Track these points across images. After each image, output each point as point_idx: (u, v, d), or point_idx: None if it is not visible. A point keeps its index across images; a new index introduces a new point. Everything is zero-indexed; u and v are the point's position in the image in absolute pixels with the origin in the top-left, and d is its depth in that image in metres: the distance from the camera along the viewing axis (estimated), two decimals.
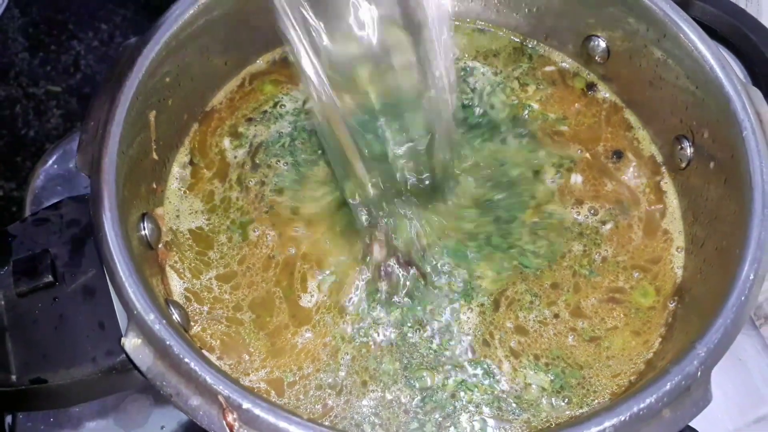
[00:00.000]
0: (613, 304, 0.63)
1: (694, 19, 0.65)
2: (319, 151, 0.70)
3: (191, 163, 0.69)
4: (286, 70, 0.74)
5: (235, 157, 0.69)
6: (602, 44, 0.73)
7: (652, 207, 0.68)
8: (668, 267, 0.65)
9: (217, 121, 0.71)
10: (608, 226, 0.67)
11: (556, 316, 0.62)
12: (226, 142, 0.70)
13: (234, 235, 0.65)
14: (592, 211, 0.68)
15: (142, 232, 0.60)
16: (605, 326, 0.62)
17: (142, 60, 0.60)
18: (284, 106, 0.73)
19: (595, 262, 0.65)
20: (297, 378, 0.59)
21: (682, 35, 0.64)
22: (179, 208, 0.66)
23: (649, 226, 0.67)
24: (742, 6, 0.78)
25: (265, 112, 0.72)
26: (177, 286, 0.62)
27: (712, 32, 0.70)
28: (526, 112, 0.73)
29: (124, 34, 1.67)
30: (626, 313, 0.62)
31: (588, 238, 0.66)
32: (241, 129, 0.71)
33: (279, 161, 0.70)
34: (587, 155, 0.71)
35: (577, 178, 0.69)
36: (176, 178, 0.68)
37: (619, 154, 0.71)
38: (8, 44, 1.70)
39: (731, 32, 0.70)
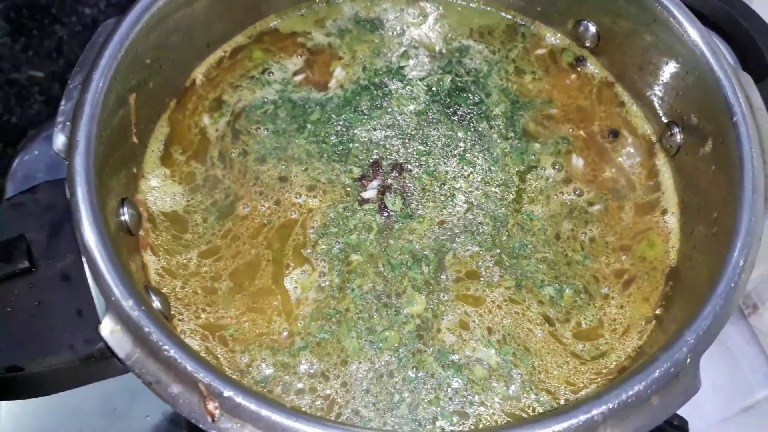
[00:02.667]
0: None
1: (685, 4, 0.65)
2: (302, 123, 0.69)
3: (170, 147, 0.67)
4: (276, 40, 0.73)
5: (216, 130, 0.68)
6: (592, 29, 0.72)
7: (648, 187, 0.68)
8: (661, 250, 0.65)
9: (196, 101, 0.69)
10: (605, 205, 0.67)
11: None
12: (206, 119, 0.68)
13: (211, 216, 0.64)
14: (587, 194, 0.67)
15: (122, 218, 0.58)
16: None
17: (120, 39, 0.59)
18: (273, 73, 0.71)
19: (594, 241, 0.65)
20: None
21: (672, 20, 0.63)
22: (161, 191, 0.64)
23: (642, 208, 0.67)
24: None
25: (252, 77, 0.71)
26: (155, 267, 0.61)
27: (703, 18, 0.69)
28: (521, 105, 0.71)
29: (108, 18, 1.64)
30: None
31: (578, 218, 0.66)
32: (225, 97, 0.70)
33: (259, 128, 0.68)
34: (581, 133, 0.70)
35: (578, 162, 0.68)
36: (157, 162, 0.66)
37: (615, 134, 0.70)
38: None
39: (722, 18, 0.70)
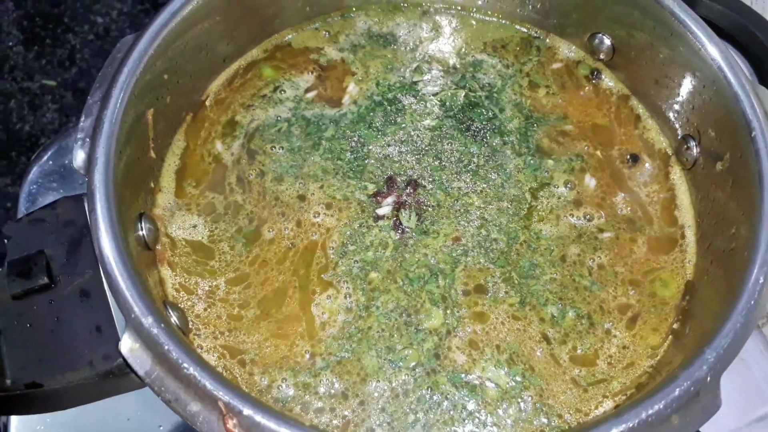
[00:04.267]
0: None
1: (702, 18, 0.65)
2: (317, 140, 0.69)
3: (182, 181, 0.66)
4: (287, 56, 0.73)
5: (232, 154, 0.68)
6: (607, 41, 0.72)
7: (666, 220, 0.67)
8: (678, 265, 0.64)
9: (208, 127, 0.69)
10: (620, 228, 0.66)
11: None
12: (219, 146, 0.68)
13: (239, 243, 0.63)
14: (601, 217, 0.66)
15: (140, 232, 0.59)
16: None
17: (138, 56, 0.59)
18: (284, 91, 0.72)
19: (604, 265, 0.64)
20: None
21: (690, 34, 0.63)
22: (179, 220, 0.64)
23: (658, 245, 0.65)
24: (748, 3, 0.77)
25: (264, 96, 0.71)
26: (172, 282, 0.61)
27: (719, 30, 0.69)
28: (534, 120, 0.71)
29: (120, 28, 1.66)
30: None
31: (586, 243, 0.65)
32: (238, 117, 0.70)
33: (274, 147, 0.68)
34: (598, 153, 0.69)
35: (591, 182, 0.68)
36: (171, 192, 0.66)
37: (635, 158, 0.69)
38: (2, 38, 1.68)
39: (738, 30, 0.70)
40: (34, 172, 0.90)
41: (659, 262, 0.64)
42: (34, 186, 0.89)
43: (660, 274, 0.63)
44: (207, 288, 0.61)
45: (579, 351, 0.59)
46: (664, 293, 0.62)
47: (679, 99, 0.67)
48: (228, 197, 0.65)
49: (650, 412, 0.47)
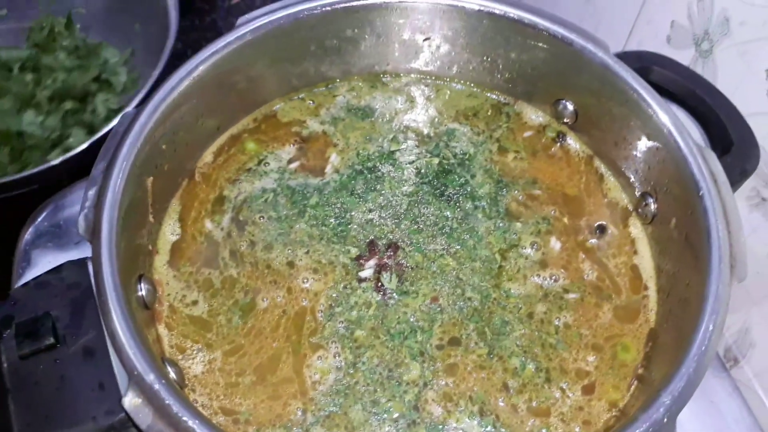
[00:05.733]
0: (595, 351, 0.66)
1: (654, 84, 0.71)
2: (302, 208, 0.73)
3: (179, 263, 0.69)
4: (270, 129, 0.79)
5: (221, 230, 0.72)
6: (570, 107, 0.78)
7: (626, 254, 0.71)
8: (641, 331, 0.67)
9: (198, 206, 0.73)
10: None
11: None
12: (209, 224, 0.72)
13: (235, 316, 0.67)
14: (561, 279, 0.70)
15: (140, 293, 0.63)
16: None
17: (140, 128, 0.64)
18: (269, 164, 0.76)
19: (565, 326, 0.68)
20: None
21: (642, 101, 0.69)
22: (181, 293, 0.68)
23: (624, 314, 0.69)
24: (699, 70, 0.84)
25: (250, 169, 0.76)
26: (168, 340, 0.65)
27: (671, 95, 0.76)
28: (504, 185, 0.76)
29: None
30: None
31: (552, 302, 0.69)
32: (225, 192, 0.74)
33: (263, 216, 0.73)
34: (565, 220, 0.74)
35: (556, 245, 0.72)
36: (169, 271, 0.69)
37: (602, 229, 0.73)
38: None
39: (688, 95, 0.76)
40: (30, 232, 0.93)
41: (623, 330, 0.67)
42: (29, 245, 0.92)
43: (622, 339, 0.67)
44: (205, 358, 0.64)
45: (534, 404, 0.63)
46: (625, 357, 0.66)
47: (637, 159, 0.73)
48: (223, 272, 0.69)
49: None
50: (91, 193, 0.61)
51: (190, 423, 0.51)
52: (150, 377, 0.52)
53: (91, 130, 1.19)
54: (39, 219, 0.94)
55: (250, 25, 0.71)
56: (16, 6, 1.33)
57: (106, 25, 1.32)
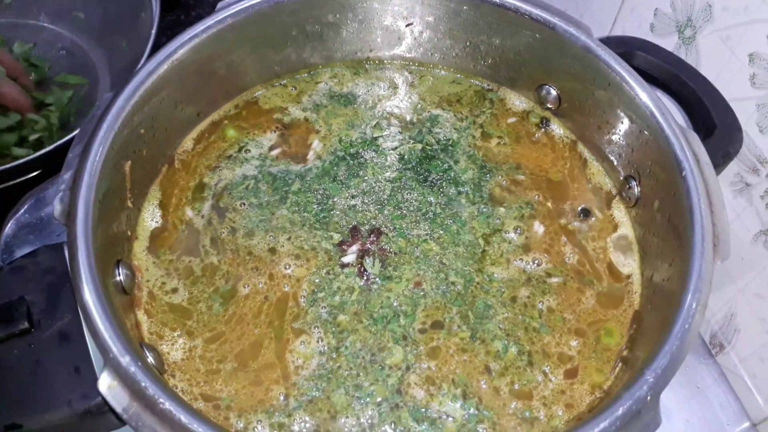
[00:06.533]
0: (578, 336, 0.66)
1: (638, 69, 0.71)
2: (284, 194, 0.72)
3: (159, 251, 0.69)
4: (251, 116, 0.78)
5: (202, 217, 0.71)
6: (553, 92, 0.78)
7: (615, 276, 0.70)
8: (627, 303, 0.67)
9: (178, 193, 0.72)
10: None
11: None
12: (189, 212, 0.71)
13: (216, 303, 0.66)
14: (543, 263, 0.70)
15: (118, 278, 0.62)
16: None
17: (117, 112, 0.63)
18: (249, 150, 0.76)
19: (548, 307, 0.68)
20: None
21: (624, 83, 0.69)
22: (160, 282, 0.67)
23: (607, 300, 0.68)
24: (682, 56, 0.84)
25: (230, 156, 0.75)
26: (147, 326, 0.64)
27: (654, 79, 0.75)
28: (488, 171, 0.75)
29: None
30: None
31: (536, 286, 0.68)
32: (205, 179, 0.73)
33: (244, 203, 0.72)
34: (549, 204, 0.74)
35: (539, 228, 0.72)
36: (149, 257, 0.68)
37: (586, 212, 0.73)
38: None
39: (671, 79, 0.76)
40: (10, 225, 0.92)
41: (606, 315, 0.67)
42: (10, 238, 0.91)
43: (606, 324, 0.66)
44: (185, 345, 0.63)
45: (516, 387, 0.62)
46: (609, 341, 0.65)
47: (620, 143, 0.73)
48: (204, 260, 0.68)
49: (596, 430, 0.50)
50: (67, 176, 0.60)
51: (167, 405, 0.50)
52: (125, 359, 0.51)
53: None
54: (20, 212, 0.93)
55: (230, 9, 0.71)
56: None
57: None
